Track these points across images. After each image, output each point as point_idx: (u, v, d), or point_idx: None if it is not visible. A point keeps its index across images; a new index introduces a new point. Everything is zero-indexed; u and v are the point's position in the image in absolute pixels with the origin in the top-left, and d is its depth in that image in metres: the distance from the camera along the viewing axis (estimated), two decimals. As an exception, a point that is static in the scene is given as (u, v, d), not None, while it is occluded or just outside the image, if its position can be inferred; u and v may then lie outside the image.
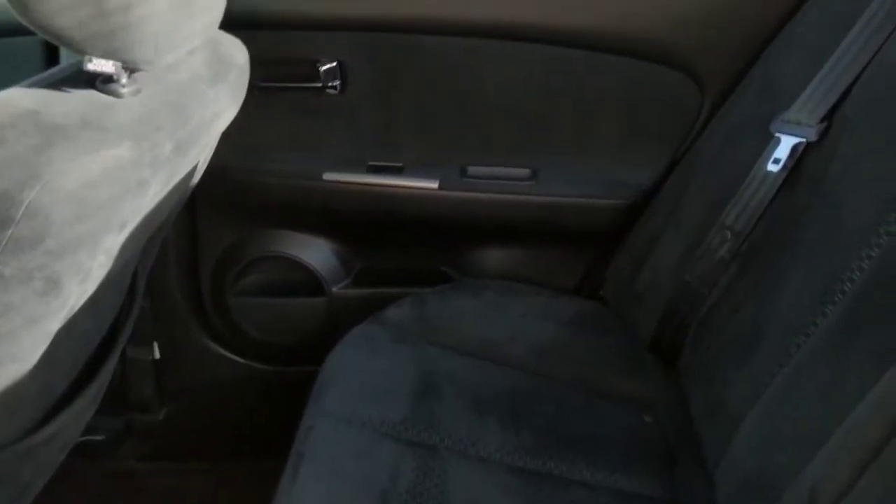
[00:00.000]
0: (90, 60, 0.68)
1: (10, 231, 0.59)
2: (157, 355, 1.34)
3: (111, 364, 0.96)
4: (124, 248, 0.79)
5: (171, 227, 1.24)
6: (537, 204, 1.23)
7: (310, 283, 1.32)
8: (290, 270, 1.33)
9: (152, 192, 0.78)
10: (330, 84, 1.18)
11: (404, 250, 1.33)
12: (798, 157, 0.98)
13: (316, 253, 1.32)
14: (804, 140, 0.97)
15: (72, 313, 0.75)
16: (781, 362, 0.87)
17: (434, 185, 1.21)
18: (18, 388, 0.71)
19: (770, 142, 1.01)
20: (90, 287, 0.76)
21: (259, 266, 1.33)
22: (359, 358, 1.09)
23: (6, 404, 0.72)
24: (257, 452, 1.30)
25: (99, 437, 1.34)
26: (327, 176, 1.22)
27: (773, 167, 1.00)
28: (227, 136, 0.99)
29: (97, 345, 0.97)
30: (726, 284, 1.05)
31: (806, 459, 0.75)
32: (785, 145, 0.99)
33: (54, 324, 0.71)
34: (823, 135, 0.95)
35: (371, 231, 1.31)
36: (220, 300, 1.34)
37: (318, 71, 1.18)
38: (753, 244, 1.03)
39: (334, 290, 1.32)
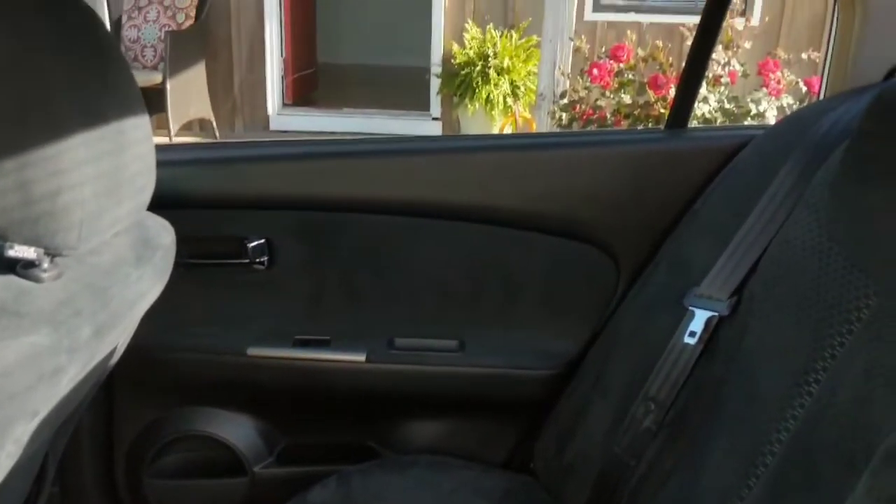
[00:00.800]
0: (11, 247, 0.68)
1: None
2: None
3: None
4: (35, 435, 0.76)
5: (85, 409, 1.19)
6: (465, 375, 1.23)
7: (231, 462, 1.27)
8: (210, 449, 1.28)
9: (68, 377, 0.75)
10: (257, 260, 1.19)
11: (330, 426, 1.30)
12: (712, 330, 1.02)
13: (238, 431, 1.28)
14: (717, 314, 1.02)
15: None
16: None
17: (361, 357, 1.20)
18: None
19: (685, 315, 1.05)
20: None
21: (177, 446, 1.28)
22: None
23: None
24: None
25: None
26: (251, 351, 1.20)
27: (689, 340, 1.04)
28: (148, 314, 0.97)
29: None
30: (654, 456, 1.06)
31: None
32: (699, 319, 1.04)
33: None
34: (734, 309, 1.00)
35: (296, 406, 1.28)
36: (134, 483, 1.27)
37: (246, 248, 1.19)
38: (678, 414, 1.05)
39: (256, 469, 1.27)
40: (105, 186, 0.76)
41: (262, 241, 1.19)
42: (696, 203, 1.15)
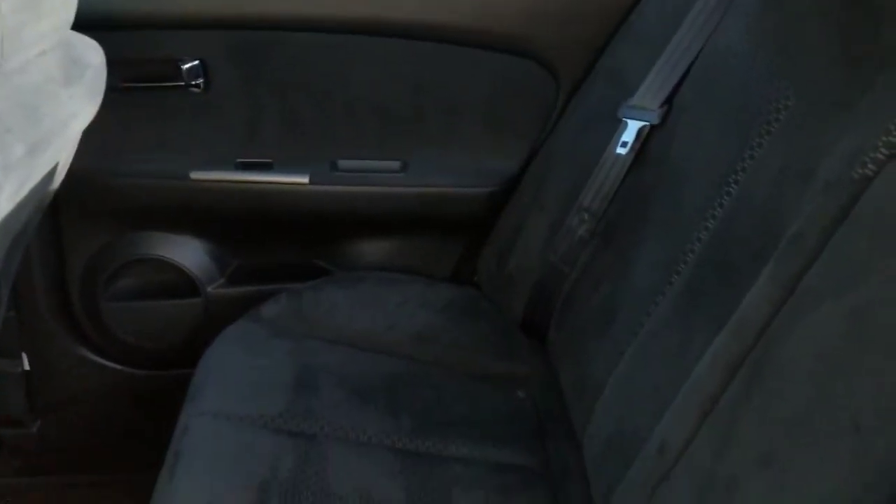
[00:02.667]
0: (-71, 64, 0.67)
1: None
2: (27, 367, 1.30)
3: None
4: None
5: (34, 235, 1.20)
6: (408, 195, 1.26)
7: (184, 284, 1.31)
8: (162, 272, 1.31)
9: (6, 195, 0.76)
10: (193, 83, 1.18)
11: (279, 247, 1.34)
12: (643, 139, 1.06)
13: (189, 253, 1.31)
14: (648, 123, 1.05)
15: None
16: (635, 331, 0.93)
17: (304, 179, 1.22)
18: None
19: (619, 126, 1.08)
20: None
21: (130, 270, 1.31)
22: (234, 356, 1.09)
23: None
24: (138, 461, 1.28)
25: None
26: (195, 175, 1.21)
27: (621, 150, 1.07)
28: (89, 139, 0.97)
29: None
30: (586, 263, 1.12)
31: (657, 417, 0.81)
32: (631, 129, 1.06)
33: None
34: (665, 118, 1.03)
35: (244, 229, 1.31)
36: (90, 306, 1.31)
37: (181, 70, 1.17)
38: (609, 223, 1.10)
39: (209, 290, 1.31)
40: (22, 1, 0.73)
41: (197, 62, 1.17)
42: (630, 15, 1.15)
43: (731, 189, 0.86)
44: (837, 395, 0.58)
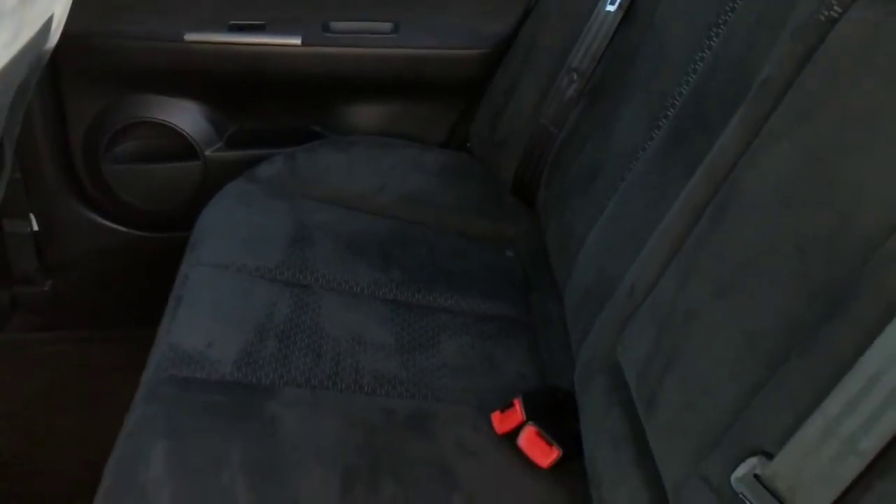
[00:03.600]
0: None
1: None
2: (35, 228, 1.35)
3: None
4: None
5: (36, 97, 1.22)
6: (400, 57, 1.27)
7: (182, 147, 1.34)
8: (161, 136, 1.34)
9: (1, 43, 0.78)
10: None
11: (274, 111, 1.36)
12: (632, -3, 1.06)
13: (187, 117, 1.33)
14: (637, -23, 1.05)
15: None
16: (616, 185, 0.97)
17: (297, 41, 1.23)
18: None
19: (609, -16, 1.08)
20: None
21: (131, 133, 1.34)
22: (231, 212, 1.14)
23: None
24: (142, 318, 1.35)
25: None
26: (188, 36, 1.22)
27: (610, 7, 1.08)
28: (85, 1, 0.98)
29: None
30: (574, 123, 1.14)
31: (631, 263, 0.85)
32: (621, -14, 1.06)
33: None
34: (653, -25, 1.03)
35: (240, 93, 1.32)
36: (92, 169, 1.34)
37: None
38: (596, 83, 1.11)
39: (207, 153, 1.34)
40: None
41: None
42: None
43: (711, 43, 0.88)
44: (786, 224, 0.61)
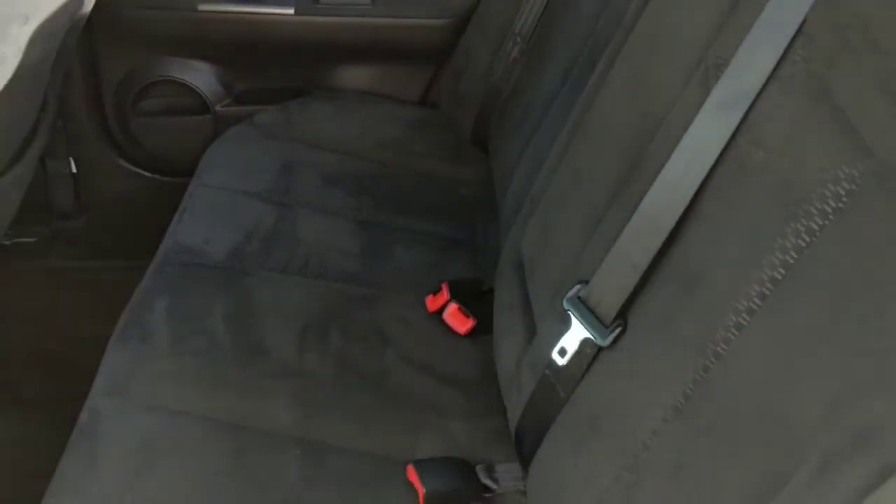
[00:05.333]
0: None
1: None
2: (74, 170, 1.60)
3: (36, 144, 1.22)
4: (31, 43, 1.05)
5: (74, 56, 1.47)
6: (378, 25, 1.51)
7: (198, 103, 1.59)
8: (180, 94, 1.59)
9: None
10: None
11: (273, 72, 1.60)
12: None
13: (202, 77, 1.58)
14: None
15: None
16: (538, 123, 1.19)
17: (290, 11, 1.47)
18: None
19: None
20: (5, 72, 1.02)
21: (154, 90, 1.58)
22: (232, 148, 1.38)
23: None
24: None
25: (31, 239, 1.61)
26: (202, 7, 1.46)
27: (544, -21, 1.30)
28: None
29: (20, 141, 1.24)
30: (516, 79, 1.36)
31: (535, 177, 1.08)
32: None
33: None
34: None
35: (244, 56, 1.56)
36: (122, 121, 1.59)
37: None
38: (534, 44, 1.34)
39: (217, 108, 1.58)
40: None
41: None
42: None
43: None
44: (617, 120, 0.84)
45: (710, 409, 0.62)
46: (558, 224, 0.93)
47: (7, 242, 1.58)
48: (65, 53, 1.27)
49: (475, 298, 1.12)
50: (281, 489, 0.85)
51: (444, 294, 1.10)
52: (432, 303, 1.11)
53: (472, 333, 1.08)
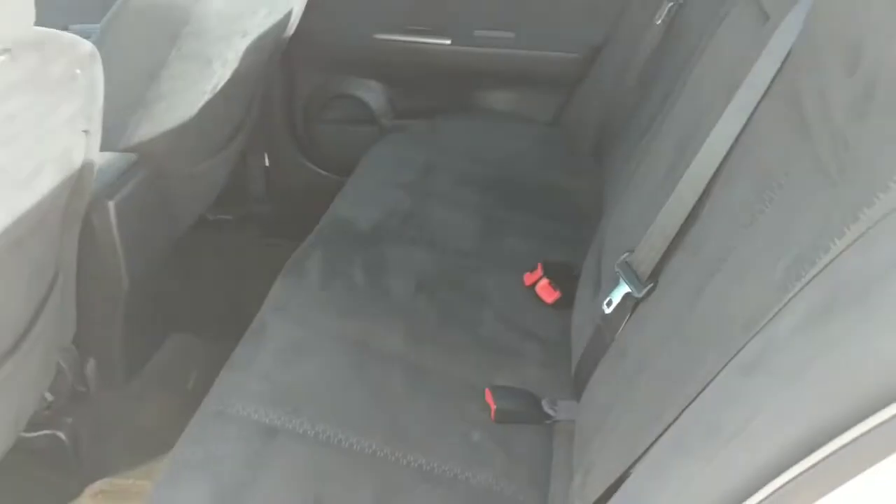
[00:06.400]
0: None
1: (187, 27, 1.20)
2: (267, 163, 1.98)
3: (241, 138, 1.59)
4: (245, 53, 1.40)
5: (276, 71, 1.85)
6: (519, 56, 1.79)
7: (368, 115, 1.93)
8: (354, 107, 1.93)
9: (260, 16, 1.38)
10: None
11: (430, 92, 1.91)
12: (672, 15, 1.50)
13: (372, 94, 1.92)
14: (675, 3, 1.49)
15: (217, 87, 1.37)
16: (640, 139, 1.40)
17: (447, 42, 1.78)
18: (194, 122, 1.34)
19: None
20: (226, 73, 1.38)
21: (335, 103, 1.94)
22: (387, 150, 1.70)
23: (186, 132, 1.35)
24: None
25: (229, 217, 1.99)
26: (377, 36, 1.80)
27: (658, 22, 1.52)
28: (311, 5, 1.58)
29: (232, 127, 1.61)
30: (631, 107, 1.59)
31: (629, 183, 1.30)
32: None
33: (207, 86, 1.33)
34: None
35: (408, 78, 1.89)
36: (308, 127, 1.96)
37: None
38: (647, 75, 1.56)
39: (383, 121, 1.92)
40: None
41: None
42: None
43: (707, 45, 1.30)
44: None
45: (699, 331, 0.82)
46: (627, 208, 1.16)
47: (211, 217, 1.97)
48: (269, 67, 1.64)
49: (565, 278, 1.35)
50: (388, 394, 1.11)
51: (539, 272, 1.34)
52: (528, 278, 1.35)
53: (557, 305, 1.30)
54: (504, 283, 1.34)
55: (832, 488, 0.47)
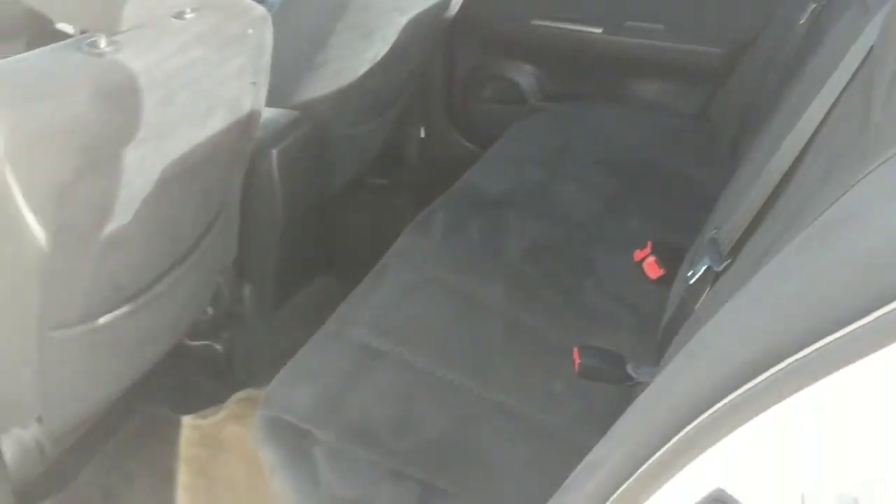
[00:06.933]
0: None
1: (355, 1, 1.37)
2: (423, 135, 2.15)
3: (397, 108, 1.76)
4: (403, 28, 1.56)
5: (435, 50, 2.00)
6: (667, 48, 1.84)
7: (519, 95, 2.04)
8: (507, 88, 2.06)
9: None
10: None
11: (578, 77, 2.00)
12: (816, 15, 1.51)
13: (525, 76, 2.03)
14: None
15: (376, 57, 1.54)
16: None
17: (599, 30, 1.86)
18: (354, 87, 1.52)
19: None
20: (385, 47, 1.55)
21: (489, 82, 2.07)
22: (528, 128, 1.82)
23: (345, 96, 1.53)
24: None
25: (383, 181, 2.18)
26: (534, 22, 1.92)
27: (801, 21, 1.53)
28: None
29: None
30: (770, 101, 1.61)
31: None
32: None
33: (368, 56, 1.50)
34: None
35: (559, 62, 1.99)
36: (464, 103, 2.10)
37: None
38: (788, 74, 1.57)
39: (532, 101, 2.03)
40: None
41: None
42: None
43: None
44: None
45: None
46: (730, 188, 1.21)
47: (367, 180, 2.17)
48: (427, 44, 1.80)
49: (673, 258, 1.41)
50: (484, 340, 1.24)
51: (648, 249, 1.41)
52: (637, 255, 1.42)
53: (661, 281, 1.37)
54: (612, 258, 1.42)
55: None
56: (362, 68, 1.56)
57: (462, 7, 1.81)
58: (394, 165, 2.21)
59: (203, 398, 1.61)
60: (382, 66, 1.61)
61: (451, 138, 2.15)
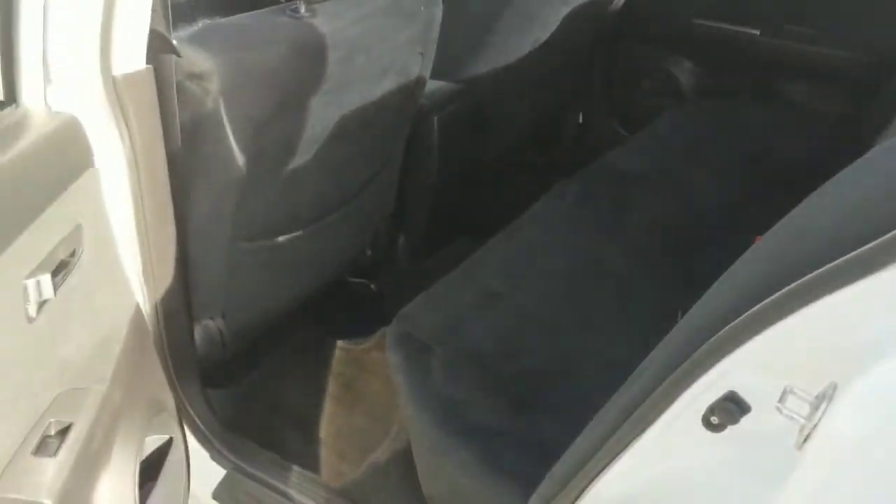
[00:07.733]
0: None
1: None
2: (581, 120, 2.31)
3: (552, 92, 1.92)
4: (564, 19, 1.72)
5: (597, 43, 2.13)
6: (818, 53, 1.89)
7: (674, 89, 2.14)
8: (665, 80, 2.16)
9: None
10: None
11: (731, 75, 2.07)
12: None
13: (683, 72, 2.13)
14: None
15: (536, 42, 1.71)
16: None
17: (756, 32, 1.93)
18: (513, 67, 1.70)
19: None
20: (544, 34, 1.72)
21: (648, 75, 2.18)
22: (675, 119, 1.91)
23: (503, 75, 1.71)
24: None
25: (536, 159, 2.35)
26: (696, 21, 2.01)
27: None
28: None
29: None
30: None
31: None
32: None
33: (528, 40, 1.68)
34: None
35: (716, 60, 2.07)
36: (623, 94, 2.23)
37: None
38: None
39: (687, 96, 2.12)
40: None
41: None
42: None
43: None
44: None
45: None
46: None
47: (525, 158, 2.35)
48: (586, 38, 1.94)
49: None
50: (595, 296, 1.38)
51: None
52: (757, 240, 1.50)
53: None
54: (732, 238, 1.51)
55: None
56: (521, 51, 1.74)
57: (626, 4, 1.94)
58: (551, 146, 2.38)
59: (356, 327, 1.86)
60: (541, 50, 1.78)
61: (608, 125, 2.28)
